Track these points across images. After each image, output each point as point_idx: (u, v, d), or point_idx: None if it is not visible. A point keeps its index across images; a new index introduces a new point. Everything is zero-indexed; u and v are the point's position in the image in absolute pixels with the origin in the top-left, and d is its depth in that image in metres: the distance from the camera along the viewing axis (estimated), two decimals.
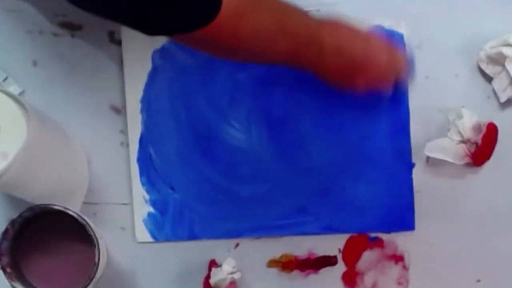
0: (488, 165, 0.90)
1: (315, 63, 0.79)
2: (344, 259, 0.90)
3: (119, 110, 0.90)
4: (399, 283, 0.90)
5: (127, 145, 0.89)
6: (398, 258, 0.90)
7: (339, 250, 0.90)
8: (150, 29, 0.67)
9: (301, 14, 0.78)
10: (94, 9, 0.66)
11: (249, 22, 0.70)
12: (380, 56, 0.81)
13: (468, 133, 0.87)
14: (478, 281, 0.90)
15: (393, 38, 0.86)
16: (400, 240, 0.90)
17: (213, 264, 0.89)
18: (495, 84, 0.89)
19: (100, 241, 0.80)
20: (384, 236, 0.90)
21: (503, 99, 0.89)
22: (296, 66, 0.80)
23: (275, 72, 0.89)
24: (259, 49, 0.74)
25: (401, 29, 0.89)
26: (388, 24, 0.89)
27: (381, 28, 0.88)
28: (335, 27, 0.80)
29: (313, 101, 0.90)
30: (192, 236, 0.89)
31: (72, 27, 0.90)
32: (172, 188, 0.89)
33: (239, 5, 0.68)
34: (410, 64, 0.86)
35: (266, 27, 0.72)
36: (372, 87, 0.83)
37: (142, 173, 0.89)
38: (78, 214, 0.80)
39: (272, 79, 0.89)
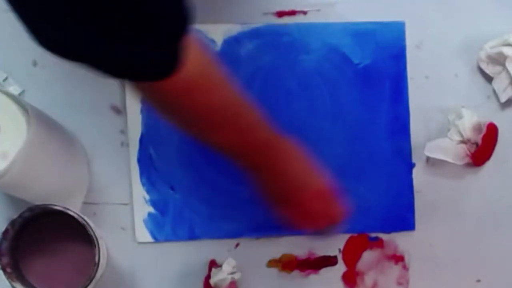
0: (488, 165, 0.90)
1: (258, 171, 0.77)
2: (344, 259, 0.90)
3: (119, 110, 0.90)
4: (399, 283, 0.90)
5: (127, 145, 0.89)
6: (398, 258, 0.90)
7: (339, 250, 0.90)
8: (115, 72, 0.64)
9: (262, 120, 0.76)
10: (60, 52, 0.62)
11: (202, 94, 0.68)
12: (315, 197, 0.79)
13: (468, 133, 0.87)
14: (478, 281, 0.90)
15: (337, 189, 0.82)
16: (400, 240, 0.90)
17: (213, 264, 0.89)
18: (495, 84, 0.89)
19: (100, 241, 0.80)
20: (384, 236, 0.90)
21: (503, 99, 0.89)
22: (239, 163, 0.78)
23: (277, 74, 0.89)
24: (205, 125, 0.72)
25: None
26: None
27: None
28: (291, 149, 0.78)
29: (312, 102, 0.90)
30: (192, 236, 0.89)
31: None
32: (172, 188, 0.89)
33: (197, 75, 0.67)
34: (345, 218, 0.83)
35: (219, 106, 0.70)
36: (296, 221, 0.82)
37: (142, 173, 0.89)
38: (78, 214, 0.80)
39: (273, 81, 0.89)
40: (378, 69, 0.90)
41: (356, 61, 0.90)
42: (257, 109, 0.75)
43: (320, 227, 0.83)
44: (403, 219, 0.90)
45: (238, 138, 0.73)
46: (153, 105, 0.73)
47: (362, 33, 0.90)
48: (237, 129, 0.73)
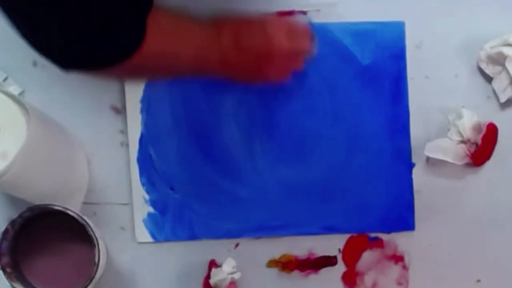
0: (488, 165, 0.90)
1: (220, 65, 0.77)
2: (344, 259, 0.90)
3: (119, 110, 0.90)
4: (399, 283, 0.90)
5: (127, 145, 0.89)
6: (398, 258, 0.90)
7: (339, 250, 0.90)
8: (66, 64, 0.65)
9: (197, 23, 0.76)
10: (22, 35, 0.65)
11: (157, 51, 0.69)
12: (281, 40, 0.79)
13: (468, 133, 0.87)
14: (478, 281, 0.90)
15: (291, 16, 0.83)
16: (400, 240, 0.90)
17: (213, 264, 0.89)
18: (495, 84, 0.89)
19: (100, 241, 0.80)
20: (384, 236, 0.90)
21: (503, 99, 0.89)
22: (203, 73, 0.79)
23: None
24: (166, 70, 0.75)
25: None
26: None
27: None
28: (229, 24, 0.79)
29: (312, 102, 0.90)
30: (192, 236, 0.89)
31: None
32: (172, 188, 0.89)
33: (159, 47, 0.68)
34: (311, 33, 0.84)
35: (170, 50, 0.72)
36: (284, 72, 0.82)
37: (142, 173, 0.89)
38: (78, 214, 0.80)
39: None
40: (378, 69, 0.90)
41: (356, 61, 0.90)
42: (192, 17, 0.76)
43: (300, 57, 0.83)
44: (403, 219, 0.89)
45: (192, 50, 0.74)
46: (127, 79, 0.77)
47: (362, 33, 0.90)
48: (187, 45, 0.74)
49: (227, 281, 0.86)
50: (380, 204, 0.89)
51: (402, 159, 0.90)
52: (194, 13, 0.76)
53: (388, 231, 0.90)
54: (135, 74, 0.74)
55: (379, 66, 0.90)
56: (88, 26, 0.61)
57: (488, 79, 0.90)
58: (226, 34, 0.77)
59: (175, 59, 0.73)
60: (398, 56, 0.90)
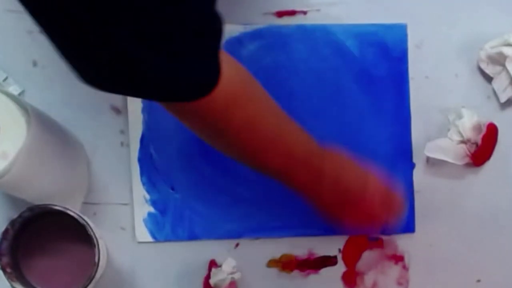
0: (488, 165, 0.90)
1: (310, 187, 0.76)
2: (344, 259, 0.90)
3: (119, 110, 0.90)
4: (399, 283, 0.90)
5: (127, 145, 0.89)
6: (398, 258, 0.90)
7: (339, 250, 0.90)
8: (145, 94, 0.63)
9: (303, 133, 0.74)
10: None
11: (243, 108, 0.66)
12: (375, 196, 0.79)
13: (468, 133, 0.87)
14: (478, 281, 0.90)
15: (391, 180, 0.82)
16: (400, 240, 0.90)
17: (213, 264, 0.89)
18: (495, 84, 0.89)
19: (100, 241, 0.80)
20: (384, 236, 0.90)
21: (503, 99, 0.89)
22: (288, 183, 0.77)
23: (278, 75, 0.89)
24: (248, 145, 0.70)
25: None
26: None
27: (381, 167, 0.82)
28: (337, 156, 0.77)
29: (313, 102, 0.90)
30: (192, 236, 0.89)
31: None
32: (172, 188, 0.89)
33: (237, 87, 0.64)
34: (404, 207, 0.84)
35: (261, 122, 0.68)
36: (361, 224, 0.82)
37: (142, 172, 0.89)
38: (78, 214, 0.80)
39: (274, 82, 0.89)
40: (380, 71, 0.90)
41: (357, 63, 0.90)
42: (295, 122, 0.73)
43: (381, 221, 0.82)
44: (403, 222, 0.89)
45: (284, 156, 0.72)
46: (194, 129, 0.70)
47: (364, 35, 0.90)
48: (282, 146, 0.71)
49: (227, 281, 0.86)
50: None
51: (402, 159, 0.90)
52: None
53: (388, 233, 0.90)
54: (215, 120, 0.66)
55: (381, 68, 0.90)
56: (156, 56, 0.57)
57: (488, 79, 0.90)
58: (330, 161, 0.75)
59: (262, 134, 0.68)
60: (399, 59, 0.90)
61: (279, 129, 0.71)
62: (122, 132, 0.89)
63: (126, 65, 0.57)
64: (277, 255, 0.90)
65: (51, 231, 0.84)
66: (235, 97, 0.65)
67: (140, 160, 0.89)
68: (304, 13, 0.90)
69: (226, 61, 0.63)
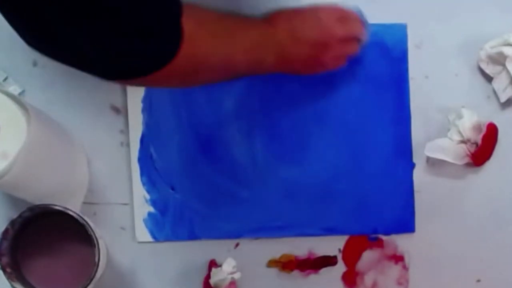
0: (488, 165, 0.90)
1: (277, 60, 0.78)
2: (344, 259, 0.90)
3: (119, 110, 0.90)
4: (399, 283, 0.90)
5: (127, 145, 0.89)
6: (398, 258, 0.90)
7: (339, 250, 0.90)
8: (108, 74, 0.65)
9: (245, 21, 0.77)
10: (55, 56, 0.64)
11: (202, 53, 0.68)
12: (334, 27, 0.81)
13: (468, 133, 0.87)
14: (478, 281, 0.90)
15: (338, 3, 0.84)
16: (400, 240, 0.90)
17: (213, 264, 0.89)
18: (495, 84, 0.89)
19: (100, 241, 0.80)
20: (384, 236, 0.90)
21: (503, 99, 0.89)
22: (260, 71, 0.79)
23: (278, 75, 0.89)
24: (219, 72, 0.74)
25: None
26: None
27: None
28: (281, 17, 0.79)
29: (313, 102, 0.90)
30: (192, 236, 0.89)
31: None
32: (172, 188, 0.89)
33: (198, 48, 0.67)
34: (362, 19, 0.85)
35: (220, 51, 0.71)
36: (340, 58, 0.83)
37: (142, 172, 0.89)
38: (78, 214, 0.80)
39: (274, 82, 0.89)
40: (379, 71, 0.90)
41: (357, 63, 0.90)
42: (238, 16, 0.75)
43: (355, 43, 0.84)
44: (403, 222, 0.89)
45: (248, 49, 0.74)
46: (175, 83, 0.73)
47: None
48: (241, 44, 0.73)
49: (227, 281, 0.86)
50: (381, 206, 0.89)
51: (402, 159, 0.90)
52: (238, 12, 0.76)
53: (388, 233, 0.90)
54: (183, 77, 0.70)
55: (381, 68, 0.90)
56: (122, 37, 0.60)
57: (488, 79, 0.90)
58: (281, 28, 0.78)
59: (226, 59, 0.72)
60: (399, 59, 0.90)
61: (234, 39, 0.73)
62: (122, 132, 0.89)
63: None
64: (277, 255, 0.90)
65: (51, 231, 0.84)
66: (197, 59, 0.68)
67: (140, 160, 0.89)
68: None
69: (187, 25, 0.65)
